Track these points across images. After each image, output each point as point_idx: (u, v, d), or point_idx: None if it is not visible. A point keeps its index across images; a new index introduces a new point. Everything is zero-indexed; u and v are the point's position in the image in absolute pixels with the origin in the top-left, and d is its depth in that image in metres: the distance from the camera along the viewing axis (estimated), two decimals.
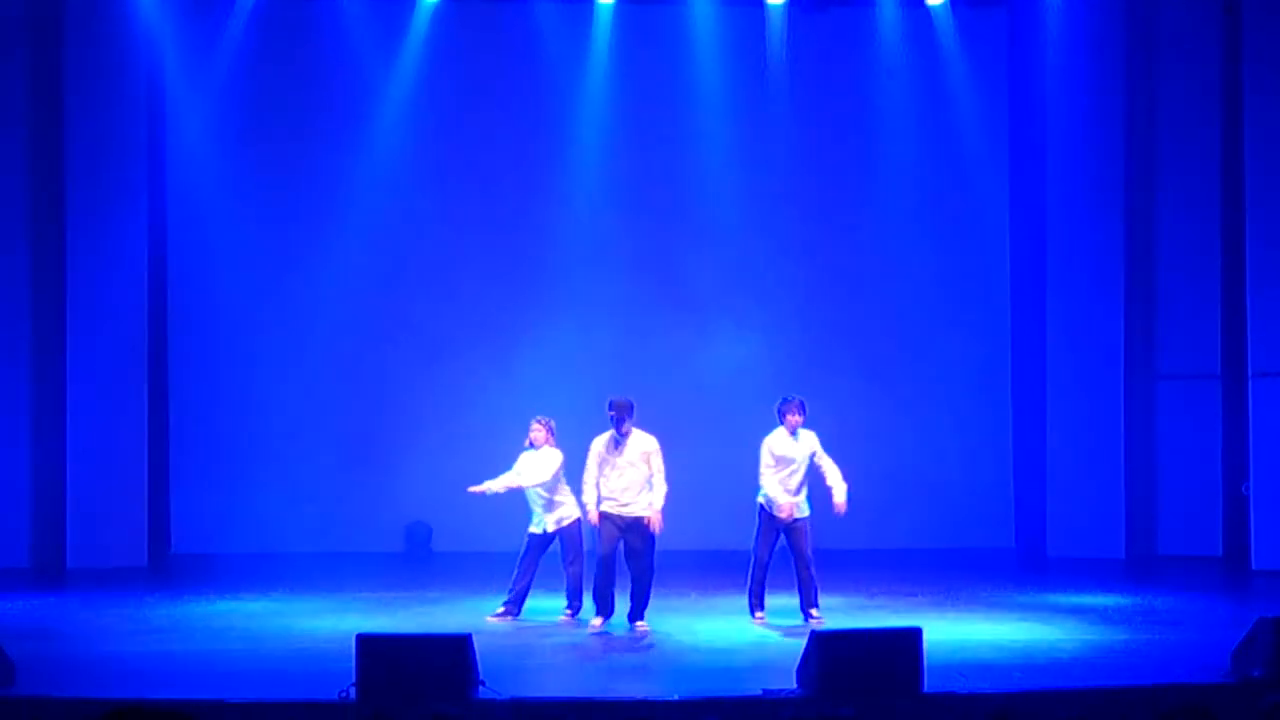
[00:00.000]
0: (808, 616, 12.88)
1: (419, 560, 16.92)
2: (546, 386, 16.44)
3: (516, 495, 13.23)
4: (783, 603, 13.17)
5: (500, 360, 17.00)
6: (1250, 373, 16.28)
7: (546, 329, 17.06)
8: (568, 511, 13.12)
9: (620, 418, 12.82)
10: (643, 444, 12.89)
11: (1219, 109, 16.67)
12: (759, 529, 12.99)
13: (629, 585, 12.83)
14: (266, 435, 17.05)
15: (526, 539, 13.17)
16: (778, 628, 12.73)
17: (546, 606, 13.31)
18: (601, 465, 12.84)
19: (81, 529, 16.29)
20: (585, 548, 13.15)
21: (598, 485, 12.76)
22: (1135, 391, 16.97)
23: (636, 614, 12.80)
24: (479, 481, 13.13)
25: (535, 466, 13.09)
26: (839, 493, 12.89)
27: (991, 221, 17.62)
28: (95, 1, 16.34)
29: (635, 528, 12.78)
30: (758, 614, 12.97)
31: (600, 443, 12.92)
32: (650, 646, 12.20)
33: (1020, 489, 17.43)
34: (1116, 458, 16.91)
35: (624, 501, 12.78)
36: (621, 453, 12.83)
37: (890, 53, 17.37)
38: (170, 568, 16.57)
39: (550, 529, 13.11)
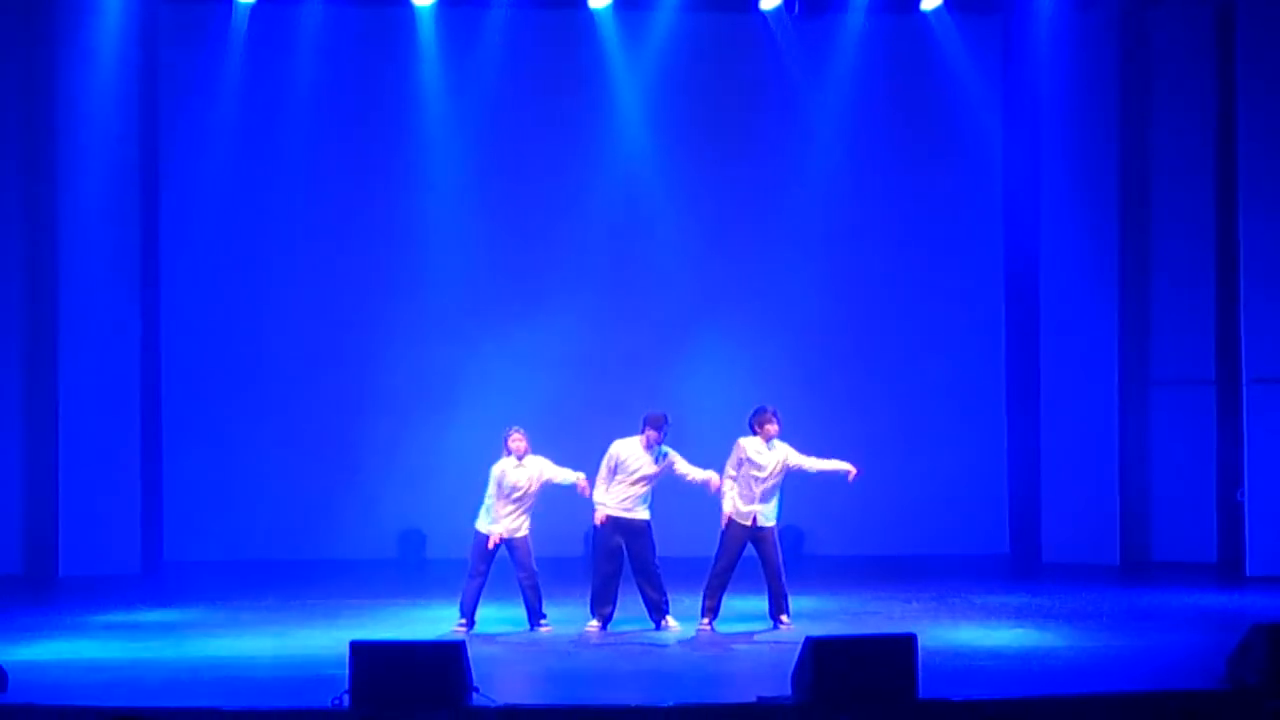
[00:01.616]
0: (777, 623, 12.88)
1: (412, 567, 16.88)
2: (538, 392, 16.42)
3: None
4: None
5: (494, 367, 16.98)
6: (1245, 379, 16.28)
7: (538, 336, 17.03)
8: (524, 522, 13.05)
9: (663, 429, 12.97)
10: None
11: (1213, 116, 16.68)
12: (721, 536, 13.00)
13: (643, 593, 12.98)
14: (259, 443, 17.02)
15: (480, 541, 13.03)
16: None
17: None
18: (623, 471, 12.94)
19: (74, 536, 16.25)
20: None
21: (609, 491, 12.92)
22: (1130, 397, 16.97)
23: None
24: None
25: (546, 471, 13.09)
26: (843, 465, 12.96)
27: (985, 228, 17.61)
28: (89, 6, 16.31)
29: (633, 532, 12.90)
30: (703, 620, 12.92)
31: (634, 448, 12.95)
32: (644, 653, 12.18)
33: (1015, 495, 17.42)
34: (1111, 464, 16.90)
35: (629, 508, 12.89)
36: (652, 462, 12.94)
37: (884, 59, 17.36)
38: (163, 575, 16.53)
39: (505, 535, 13.01)
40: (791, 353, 17.27)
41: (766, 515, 12.91)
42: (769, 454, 12.91)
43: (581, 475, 13.00)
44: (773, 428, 12.92)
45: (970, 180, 17.56)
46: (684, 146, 17.38)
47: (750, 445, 12.94)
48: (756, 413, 12.99)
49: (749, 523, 12.87)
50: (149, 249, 16.86)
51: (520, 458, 13.06)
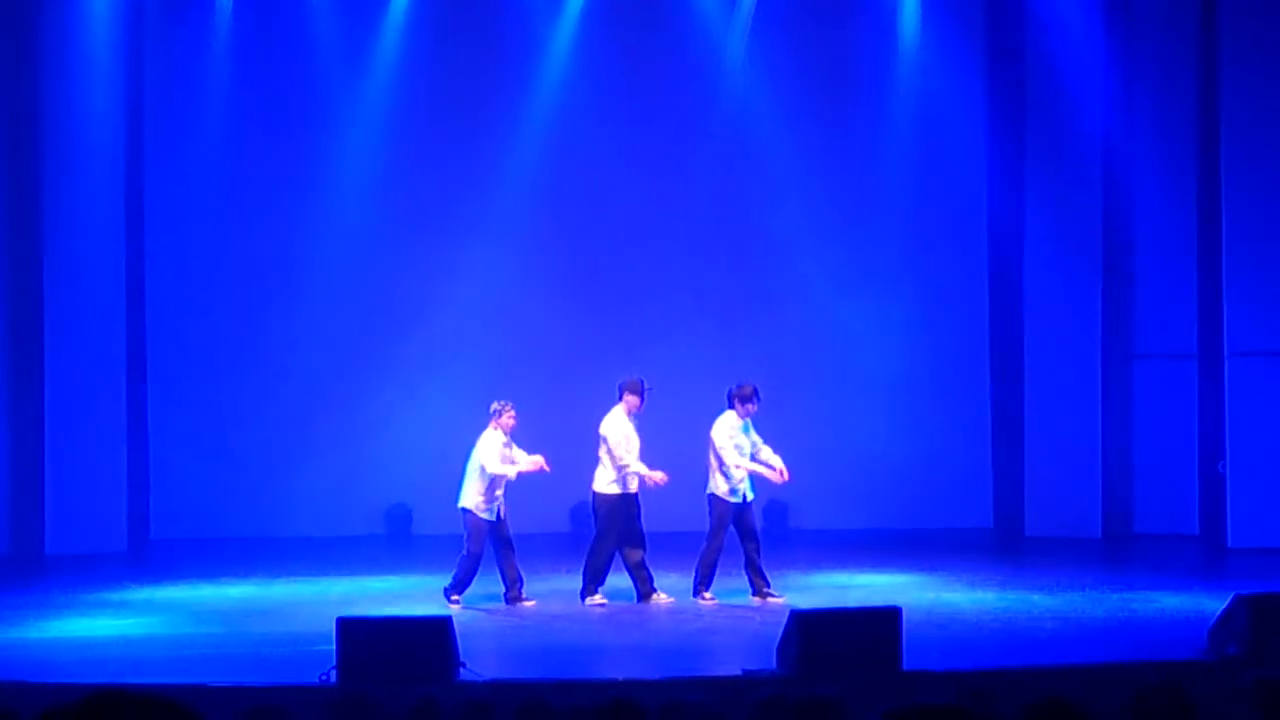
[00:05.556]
0: (769, 595, 12.97)
1: (399, 543, 16.91)
2: (527, 369, 16.44)
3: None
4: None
5: (481, 343, 16.98)
6: (1226, 352, 16.31)
7: (523, 313, 17.05)
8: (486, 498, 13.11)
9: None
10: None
11: (1196, 90, 16.70)
12: (721, 515, 13.07)
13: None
14: (246, 420, 17.00)
15: (471, 519, 13.10)
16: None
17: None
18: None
19: (60, 514, 16.20)
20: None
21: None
22: (1112, 371, 17.01)
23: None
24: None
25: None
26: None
27: (969, 202, 17.62)
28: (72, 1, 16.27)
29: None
30: (705, 594, 13.03)
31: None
32: (631, 627, 12.23)
33: (998, 469, 17.45)
34: (1094, 437, 16.94)
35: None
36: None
37: (867, 31, 17.34)
38: (150, 553, 16.52)
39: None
40: (774, 327, 17.27)
41: (747, 490, 13.04)
42: (745, 434, 13.08)
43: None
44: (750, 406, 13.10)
45: (953, 154, 17.54)
46: (665, 125, 17.35)
47: (735, 422, 13.04)
48: (740, 388, 13.10)
49: (739, 500, 13.02)
50: (134, 226, 16.81)
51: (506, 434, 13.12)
